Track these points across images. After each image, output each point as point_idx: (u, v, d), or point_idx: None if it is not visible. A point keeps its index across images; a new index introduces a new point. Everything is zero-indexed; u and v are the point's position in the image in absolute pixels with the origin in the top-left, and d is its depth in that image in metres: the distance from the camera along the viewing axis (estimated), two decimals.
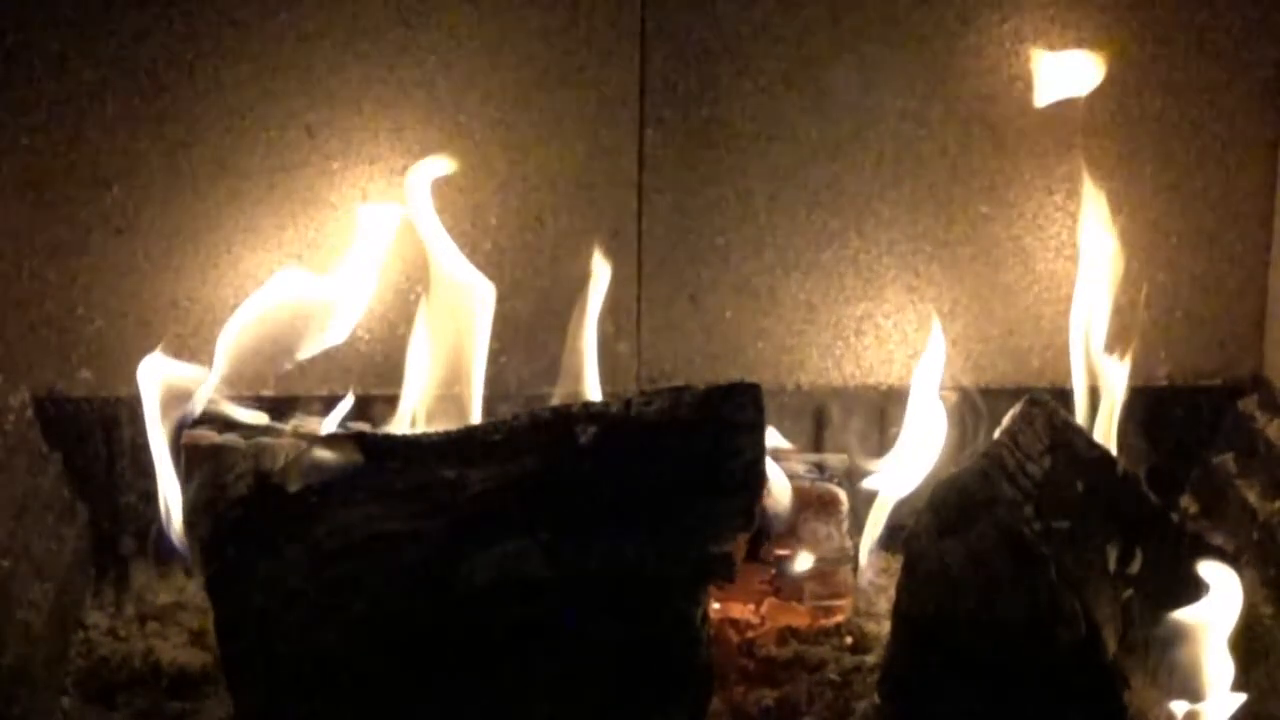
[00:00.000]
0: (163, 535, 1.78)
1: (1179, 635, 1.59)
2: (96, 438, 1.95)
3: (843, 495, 1.80)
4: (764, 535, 1.73)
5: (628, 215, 1.95)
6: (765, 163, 1.95)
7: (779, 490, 1.74)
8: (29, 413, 1.89)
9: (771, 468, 1.73)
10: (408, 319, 1.88)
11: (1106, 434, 1.82)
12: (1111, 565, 1.61)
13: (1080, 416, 1.81)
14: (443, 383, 1.84)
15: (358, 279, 1.86)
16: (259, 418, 1.80)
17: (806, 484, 1.80)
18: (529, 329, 1.93)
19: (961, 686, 1.57)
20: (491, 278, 1.91)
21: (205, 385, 1.77)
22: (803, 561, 1.76)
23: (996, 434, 1.70)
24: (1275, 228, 1.99)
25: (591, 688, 1.52)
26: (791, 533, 1.76)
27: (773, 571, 1.76)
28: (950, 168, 1.96)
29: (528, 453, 1.58)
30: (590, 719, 1.53)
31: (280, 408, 1.85)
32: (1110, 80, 1.93)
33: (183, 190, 1.91)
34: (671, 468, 1.56)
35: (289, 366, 1.85)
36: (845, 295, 1.99)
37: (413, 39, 1.90)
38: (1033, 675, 1.55)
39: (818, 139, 1.95)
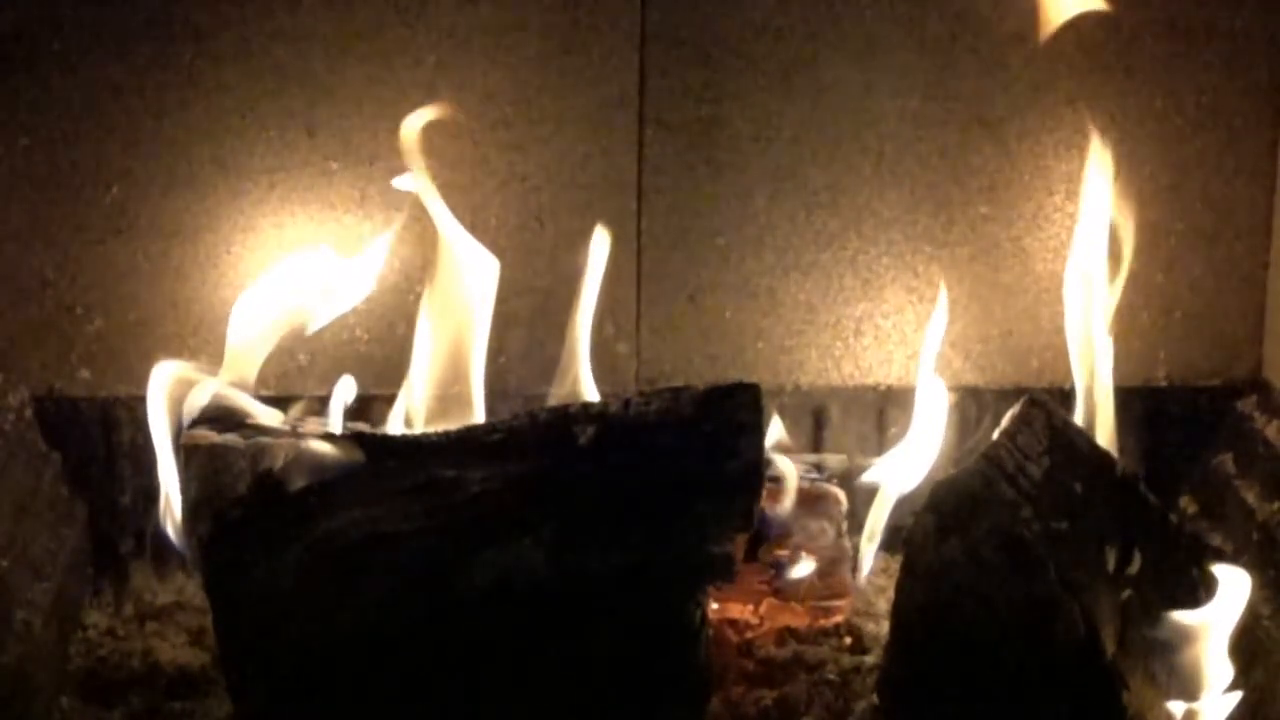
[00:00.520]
0: (162, 535, 1.77)
1: (1178, 636, 1.59)
2: (96, 437, 1.95)
3: (842, 495, 1.81)
4: (763, 537, 1.73)
5: (627, 215, 1.95)
6: (765, 163, 1.95)
7: (784, 487, 1.75)
8: (28, 412, 1.89)
9: (783, 462, 1.74)
10: (407, 318, 1.88)
11: (1105, 435, 1.82)
12: (1110, 566, 1.61)
13: (1079, 417, 1.81)
14: (443, 381, 1.84)
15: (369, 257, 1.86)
16: (272, 413, 1.79)
17: (806, 484, 1.80)
18: (529, 329, 1.93)
19: (960, 687, 1.57)
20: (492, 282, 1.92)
21: (211, 381, 1.77)
22: (801, 569, 1.76)
23: (996, 435, 1.70)
24: (1274, 229, 1.99)
25: (591, 688, 1.52)
26: (790, 533, 1.76)
27: (772, 572, 1.76)
28: (950, 168, 1.96)
29: (527, 453, 1.58)
30: (590, 719, 1.53)
31: (280, 408, 1.85)
32: (1109, 80, 1.94)
33: (182, 190, 1.91)
34: (671, 468, 1.56)
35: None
36: (844, 295, 2.00)
37: (412, 39, 1.90)
38: (1031, 676, 1.54)
39: (817, 139, 1.95)
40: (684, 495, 1.55)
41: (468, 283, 1.83)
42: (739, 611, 1.78)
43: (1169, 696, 1.59)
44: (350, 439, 1.63)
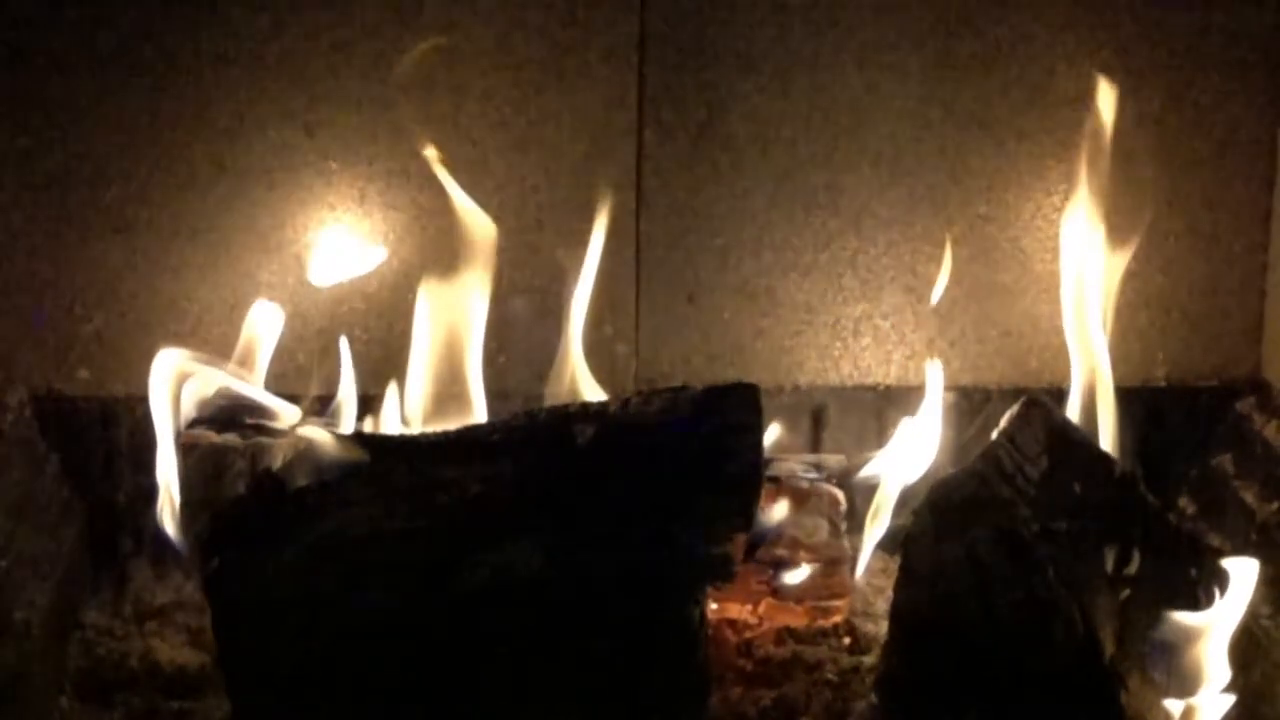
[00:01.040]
0: (161, 534, 1.77)
1: (1177, 636, 1.59)
2: (95, 437, 1.94)
3: (840, 495, 1.81)
4: (759, 539, 1.73)
5: (626, 216, 1.95)
6: (764, 163, 1.95)
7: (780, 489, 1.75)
8: (27, 412, 1.89)
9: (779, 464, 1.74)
10: (406, 318, 1.87)
11: (1104, 435, 1.82)
12: (1109, 566, 1.61)
13: (1078, 417, 1.81)
14: (442, 380, 1.84)
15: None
16: (288, 408, 1.79)
17: (805, 484, 1.80)
18: (528, 329, 1.93)
19: (959, 687, 1.57)
20: (490, 278, 1.92)
21: (214, 370, 1.77)
22: (800, 574, 1.76)
23: (994, 435, 1.70)
24: (1273, 229, 1.99)
25: (590, 688, 1.52)
26: (789, 533, 1.76)
27: (771, 572, 1.76)
28: (948, 169, 1.96)
29: (526, 453, 1.58)
30: (589, 719, 1.53)
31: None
32: (1108, 81, 1.94)
33: (181, 190, 1.91)
34: (670, 468, 1.56)
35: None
36: (843, 296, 2.00)
37: (411, 39, 1.90)
38: (1030, 676, 1.54)
39: (816, 140, 1.95)
40: (683, 495, 1.55)
41: (469, 260, 1.83)
42: (738, 611, 1.78)
43: (1167, 696, 1.59)
44: (350, 438, 1.63)
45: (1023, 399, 1.72)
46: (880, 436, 1.99)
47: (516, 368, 1.92)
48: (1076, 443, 1.69)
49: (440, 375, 1.84)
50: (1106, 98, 1.91)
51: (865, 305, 2.00)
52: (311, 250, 1.91)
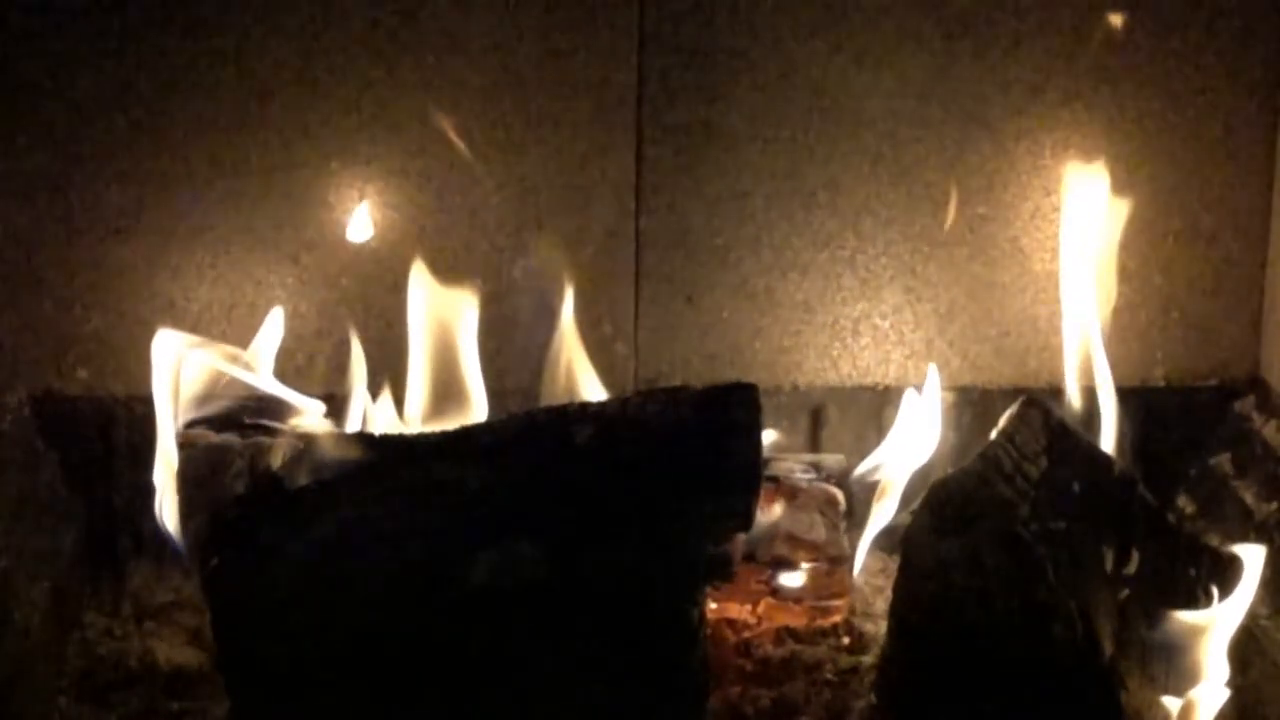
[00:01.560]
0: (160, 534, 1.77)
1: (1176, 635, 1.59)
2: (94, 437, 1.94)
3: (840, 495, 1.81)
4: (755, 539, 1.73)
5: (625, 216, 1.95)
6: (763, 163, 1.95)
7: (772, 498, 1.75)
8: (26, 412, 1.89)
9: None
10: (405, 318, 1.87)
11: (1103, 435, 1.82)
12: (1108, 566, 1.62)
13: (1076, 417, 1.81)
14: (441, 379, 1.84)
15: None
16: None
17: (804, 484, 1.80)
18: (527, 328, 1.92)
19: (958, 687, 1.57)
20: (490, 278, 1.92)
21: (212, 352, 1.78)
22: (799, 573, 1.76)
23: (993, 434, 1.70)
24: (1272, 229, 1.99)
25: (589, 688, 1.52)
26: (789, 533, 1.76)
27: (770, 572, 1.76)
28: (947, 168, 1.96)
29: (525, 453, 1.58)
30: (588, 719, 1.53)
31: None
32: (1108, 80, 1.94)
33: (180, 190, 1.91)
34: (668, 468, 1.56)
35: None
36: (842, 295, 2.00)
37: (411, 39, 1.90)
38: (1029, 676, 1.55)
39: (815, 139, 1.95)
40: (682, 495, 1.55)
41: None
42: (737, 611, 1.78)
43: (1166, 693, 1.59)
44: (349, 438, 1.63)
45: (1022, 398, 1.72)
46: (879, 436, 1.99)
47: (516, 367, 1.92)
48: (1075, 442, 1.69)
49: (439, 375, 1.84)
50: (1105, 97, 1.92)
51: (864, 305, 2.00)
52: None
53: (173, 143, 1.89)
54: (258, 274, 1.93)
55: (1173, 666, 1.59)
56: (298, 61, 1.89)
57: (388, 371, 1.86)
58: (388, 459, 1.60)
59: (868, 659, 1.76)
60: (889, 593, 1.68)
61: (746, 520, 1.56)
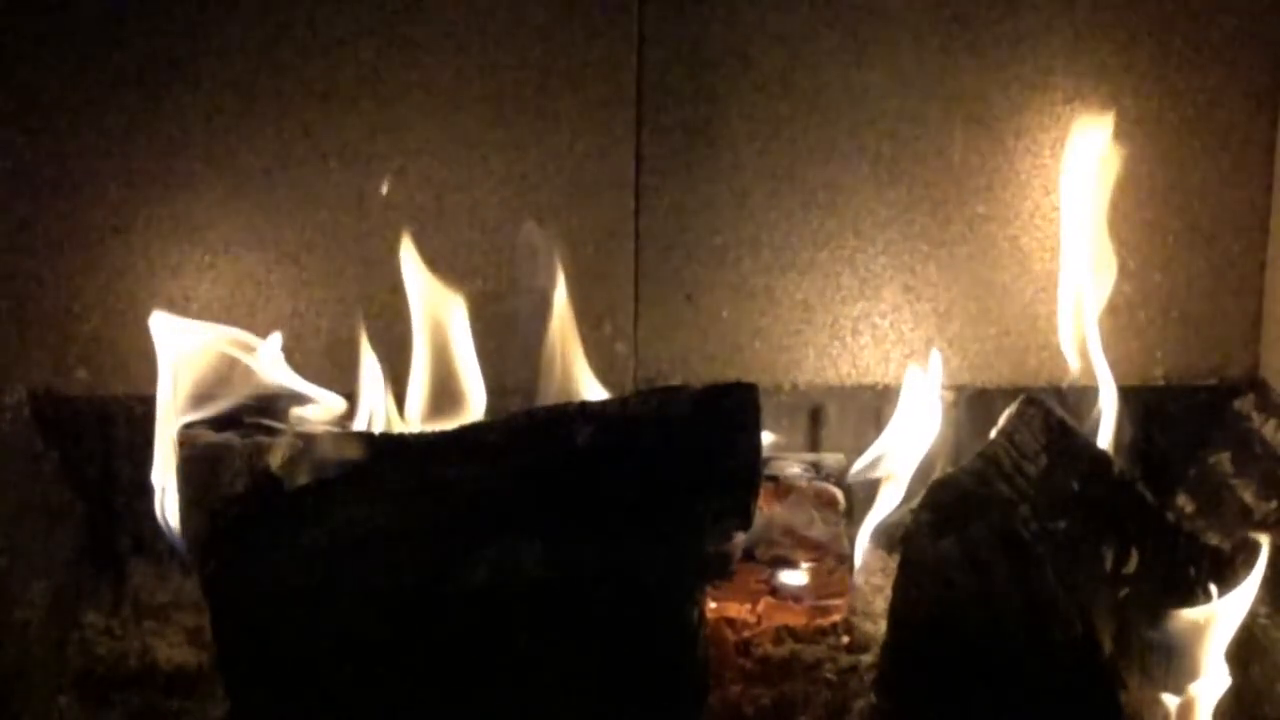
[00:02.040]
0: (160, 533, 1.77)
1: (1176, 633, 1.59)
2: (93, 437, 1.94)
3: (839, 494, 1.81)
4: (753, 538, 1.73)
5: (625, 215, 1.95)
6: (762, 162, 1.95)
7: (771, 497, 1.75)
8: (25, 411, 1.89)
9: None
10: (405, 317, 1.87)
11: (1103, 434, 1.82)
12: (1108, 565, 1.62)
13: (1076, 416, 1.81)
14: (440, 379, 1.84)
15: None
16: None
17: (803, 483, 1.80)
18: (527, 327, 1.92)
19: (958, 686, 1.57)
20: (489, 277, 1.92)
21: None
22: (799, 573, 1.76)
23: (993, 434, 1.70)
24: (1272, 228, 2.00)
25: (588, 687, 1.52)
26: (788, 532, 1.76)
27: (769, 571, 1.76)
28: (947, 167, 1.96)
29: (525, 452, 1.58)
30: (587, 719, 1.53)
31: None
32: (1107, 80, 1.94)
33: (180, 189, 1.91)
34: (668, 467, 1.56)
35: None
36: (842, 295, 2.00)
37: (410, 38, 1.90)
38: (1029, 675, 1.55)
39: (814, 139, 1.95)
40: (681, 494, 1.55)
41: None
42: (737, 610, 1.77)
43: (1166, 692, 1.59)
44: (348, 437, 1.63)
45: (1021, 397, 1.72)
46: (879, 436, 1.99)
47: (515, 366, 1.92)
48: (1075, 441, 1.69)
49: (439, 375, 1.84)
50: (1104, 97, 1.92)
51: (864, 304, 2.00)
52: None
53: (173, 143, 1.89)
54: (258, 274, 1.93)
55: (1172, 665, 1.59)
56: (297, 61, 1.89)
57: (388, 371, 1.87)
58: (388, 459, 1.60)
59: (867, 658, 1.76)
60: (889, 592, 1.68)
61: (746, 519, 1.56)
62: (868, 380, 2.02)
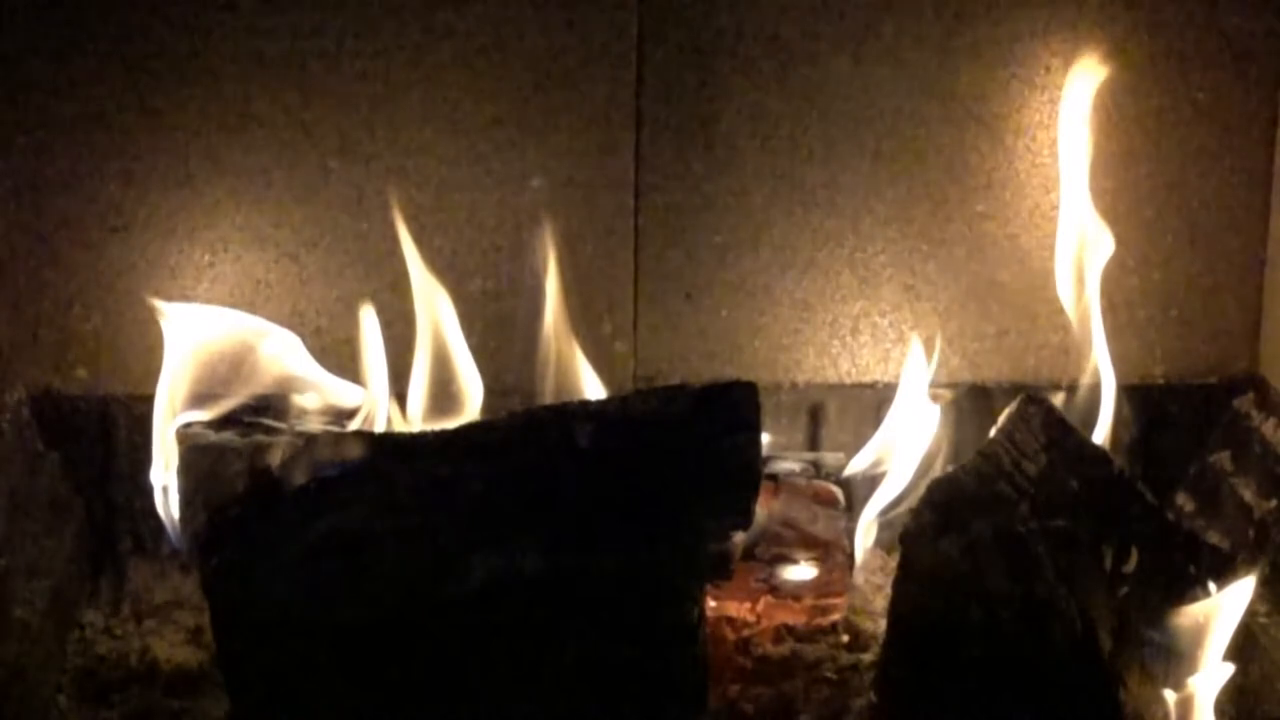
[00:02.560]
0: (160, 533, 1.77)
1: (1176, 633, 1.59)
2: (93, 436, 1.94)
3: (839, 493, 1.81)
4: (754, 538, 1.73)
5: (624, 214, 1.95)
6: (762, 161, 1.95)
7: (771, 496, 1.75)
8: (25, 411, 1.89)
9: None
10: (404, 317, 1.87)
11: (1102, 432, 1.82)
12: (1107, 564, 1.62)
13: (1075, 415, 1.81)
14: (440, 378, 1.84)
15: None
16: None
17: (803, 482, 1.80)
18: (526, 328, 1.92)
19: (957, 685, 1.57)
20: (489, 276, 1.92)
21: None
22: (798, 571, 1.76)
23: (993, 432, 1.70)
24: (1271, 226, 2.00)
25: (588, 686, 1.52)
26: (788, 531, 1.76)
27: (769, 570, 1.76)
28: (947, 166, 1.96)
29: (525, 451, 1.58)
30: (587, 718, 1.53)
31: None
32: (1107, 79, 1.94)
33: (179, 188, 1.91)
34: (668, 466, 1.56)
35: None
36: (841, 294, 2.00)
37: (409, 37, 1.90)
38: (1029, 674, 1.55)
39: (814, 138, 1.95)
40: (681, 493, 1.55)
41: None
42: (736, 609, 1.77)
43: (1165, 689, 1.59)
44: (348, 437, 1.63)
45: (1021, 396, 1.72)
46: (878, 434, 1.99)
47: (515, 366, 1.92)
48: (1075, 440, 1.69)
49: (438, 374, 1.84)
50: (1104, 96, 1.92)
51: (863, 303, 2.00)
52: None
53: (170, 141, 1.89)
54: (257, 273, 1.93)
55: (1172, 664, 1.59)
56: (297, 60, 1.89)
57: (388, 370, 1.87)
58: (387, 458, 1.60)
59: (867, 657, 1.76)
60: (888, 591, 1.68)
61: (746, 518, 1.56)
62: (867, 379, 2.02)
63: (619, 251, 1.95)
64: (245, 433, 1.74)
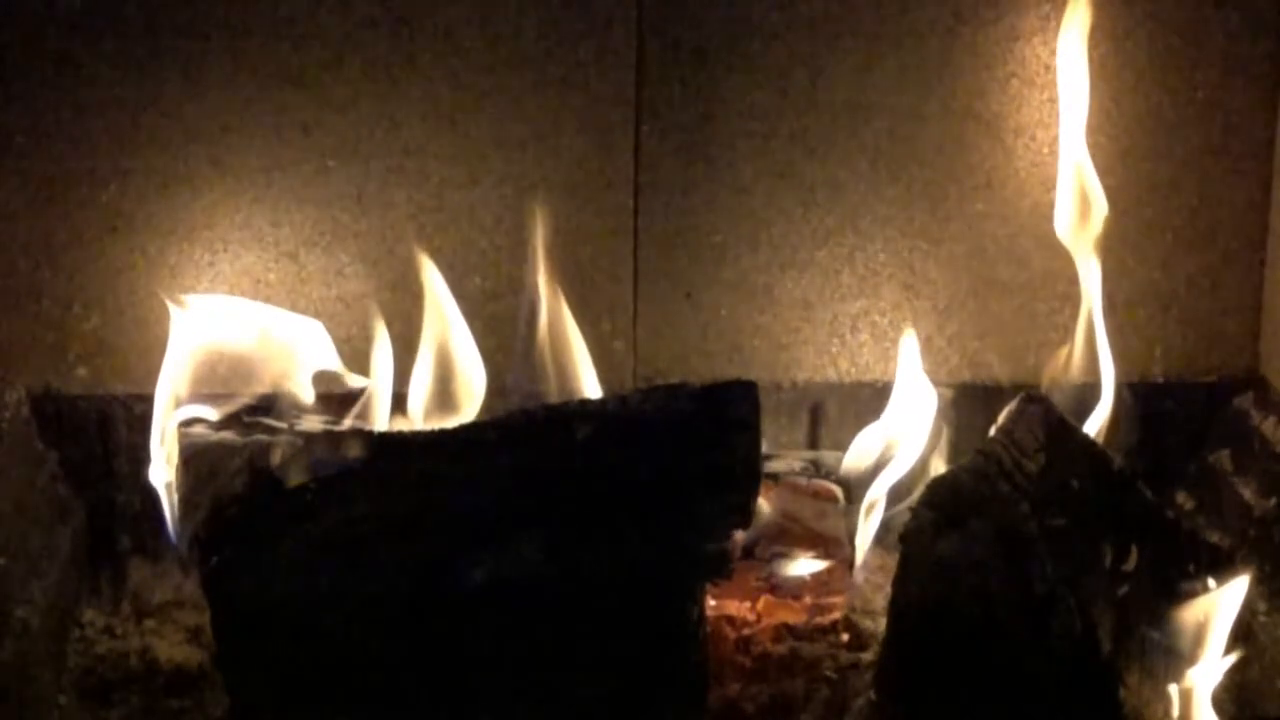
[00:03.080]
0: (160, 533, 1.77)
1: (1175, 631, 1.59)
2: (93, 435, 1.94)
3: (839, 492, 1.81)
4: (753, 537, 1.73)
5: (624, 213, 1.95)
6: (761, 160, 1.95)
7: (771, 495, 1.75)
8: (25, 410, 1.89)
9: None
10: (404, 317, 1.88)
11: (1102, 431, 1.82)
12: (1107, 562, 1.62)
13: (1075, 413, 1.81)
14: (439, 377, 1.84)
15: None
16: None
17: (803, 481, 1.80)
18: (525, 327, 1.92)
19: (957, 684, 1.57)
20: (488, 276, 1.92)
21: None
22: (800, 566, 1.76)
23: (992, 431, 1.70)
24: (1271, 225, 2.00)
25: (588, 686, 1.52)
26: (788, 530, 1.77)
27: (769, 569, 1.76)
28: (946, 165, 1.96)
29: (524, 450, 1.58)
30: (587, 717, 1.53)
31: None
32: (1107, 77, 1.94)
33: (179, 188, 1.91)
34: (668, 465, 1.56)
35: None
36: (841, 292, 2.00)
37: (409, 37, 1.90)
38: (1029, 673, 1.55)
39: (814, 136, 1.95)
40: (681, 492, 1.55)
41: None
42: (736, 608, 1.77)
43: (1165, 687, 1.59)
44: (348, 436, 1.63)
45: (1020, 395, 1.72)
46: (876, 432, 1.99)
47: (515, 366, 1.92)
48: (1074, 439, 1.69)
49: (438, 373, 1.84)
50: (1104, 95, 1.92)
51: (863, 302, 2.00)
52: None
53: (169, 141, 1.89)
54: (256, 272, 1.93)
55: (1172, 661, 1.59)
56: (296, 60, 1.89)
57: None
58: (387, 457, 1.60)
59: (867, 656, 1.76)
60: (888, 590, 1.68)
61: (745, 517, 1.56)
62: (867, 378, 2.02)
63: (619, 251, 1.95)
64: (245, 432, 1.74)
